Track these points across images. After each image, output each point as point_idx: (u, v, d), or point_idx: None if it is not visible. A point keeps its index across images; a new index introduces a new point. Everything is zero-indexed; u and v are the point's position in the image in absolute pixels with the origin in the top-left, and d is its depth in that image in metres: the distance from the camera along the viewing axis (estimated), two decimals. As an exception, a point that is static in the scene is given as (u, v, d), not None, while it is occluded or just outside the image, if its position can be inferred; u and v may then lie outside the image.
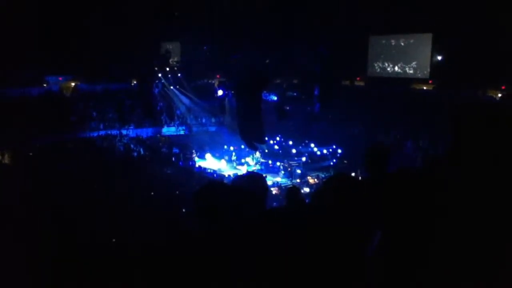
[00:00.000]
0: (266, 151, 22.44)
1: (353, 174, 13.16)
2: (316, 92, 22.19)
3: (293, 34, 19.42)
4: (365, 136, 20.39)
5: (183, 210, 9.65)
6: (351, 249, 1.88)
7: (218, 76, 27.48)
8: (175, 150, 22.32)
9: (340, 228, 1.91)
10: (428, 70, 22.36)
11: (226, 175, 18.78)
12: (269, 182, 16.99)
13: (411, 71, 23.24)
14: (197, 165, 21.00)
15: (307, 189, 15.94)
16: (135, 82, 27.48)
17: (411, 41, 23.01)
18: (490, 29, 16.30)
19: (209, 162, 21.92)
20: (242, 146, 21.90)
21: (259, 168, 20.79)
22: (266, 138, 21.72)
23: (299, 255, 1.80)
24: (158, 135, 25.29)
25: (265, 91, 22.46)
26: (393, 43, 23.74)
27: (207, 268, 1.75)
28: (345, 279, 1.83)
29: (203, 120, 27.35)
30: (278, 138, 23.95)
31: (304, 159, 21.25)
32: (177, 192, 13.09)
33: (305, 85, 23.73)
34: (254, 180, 2.50)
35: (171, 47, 27.45)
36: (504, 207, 1.63)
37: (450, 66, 19.90)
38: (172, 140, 24.63)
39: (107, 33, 21.34)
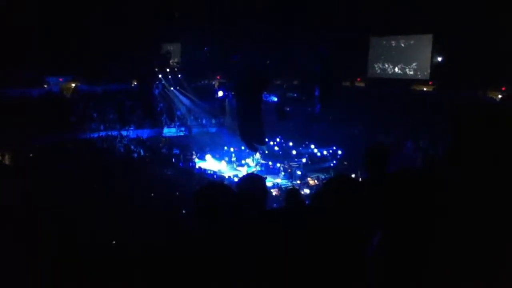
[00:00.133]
0: (266, 152, 22.45)
1: (353, 175, 13.13)
2: (316, 93, 22.17)
3: (293, 34, 19.39)
4: (365, 136, 20.38)
5: (183, 211, 9.65)
6: (351, 249, 1.88)
7: (218, 77, 27.46)
8: (175, 151, 22.33)
9: (340, 228, 1.91)
10: (428, 71, 22.31)
11: (226, 176, 18.80)
12: (269, 184, 16.99)
13: (411, 72, 23.22)
14: (197, 166, 21.00)
15: (307, 191, 15.93)
16: (135, 83, 27.43)
17: (411, 42, 22.99)
18: (490, 30, 16.27)
19: (209, 163, 21.93)
20: (242, 147, 21.90)
21: (259, 169, 20.79)
22: (266, 139, 21.72)
23: (299, 255, 1.80)
24: (160, 136, 25.28)
25: (265, 92, 22.44)
26: (393, 44, 23.73)
27: (207, 268, 1.75)
28: (345, 279, 1.83)
29: (203, 121, 27.34)
30: (278, 139, 23.94)
31: (304, 160, 21.26)
32: (177, 193, 13.09)
33: (305, 86, 23.69)
34: (253, 181, 2.50)
35: (171, 48, 27.44)
36: (504, 207, 1.63)
37: (450, 66, 19.87)
38: (172, 141, 24.62)
39: (107, 33, 21.32)
